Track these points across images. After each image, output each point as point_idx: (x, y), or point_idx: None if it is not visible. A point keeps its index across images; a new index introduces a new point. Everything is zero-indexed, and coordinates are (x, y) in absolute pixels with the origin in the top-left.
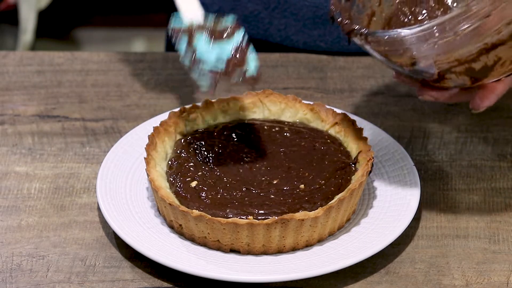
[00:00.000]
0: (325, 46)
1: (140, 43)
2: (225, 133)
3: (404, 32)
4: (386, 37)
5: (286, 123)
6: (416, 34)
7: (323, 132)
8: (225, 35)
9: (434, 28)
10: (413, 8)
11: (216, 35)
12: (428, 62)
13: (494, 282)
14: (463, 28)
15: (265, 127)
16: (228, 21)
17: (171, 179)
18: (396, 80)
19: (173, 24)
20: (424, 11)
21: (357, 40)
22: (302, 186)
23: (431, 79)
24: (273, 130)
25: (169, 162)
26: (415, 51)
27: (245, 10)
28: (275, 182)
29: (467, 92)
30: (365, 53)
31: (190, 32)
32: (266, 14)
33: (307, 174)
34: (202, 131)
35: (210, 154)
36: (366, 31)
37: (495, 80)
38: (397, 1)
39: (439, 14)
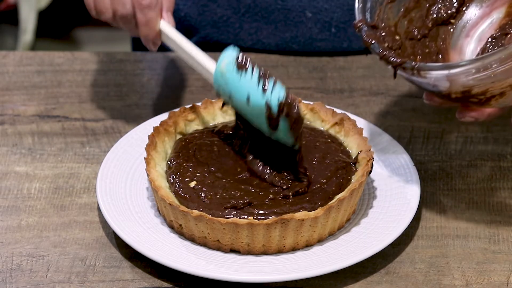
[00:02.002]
0: (298, 47)
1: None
2: (224, 132)
3: (462, 65)
4: (444, 73)
5: None
6: (473, 67)
7: (323, 132)
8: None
9: (493, 61)
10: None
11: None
12: (480, 90)
13: (494, 282)
14: None
15: None
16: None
17: (170, 179)
18: (428, 102)
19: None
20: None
21: (404, 73)
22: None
23: (476, 103)
24: None
25: (168, 162)
26: (468, 81)
27: (214, 16)
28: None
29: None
30: (365, 53)
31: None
32: (236, 19)
33: (308, 173)
34: (202, 130)
35: (209, 154)
36: (417, 66)
37: None
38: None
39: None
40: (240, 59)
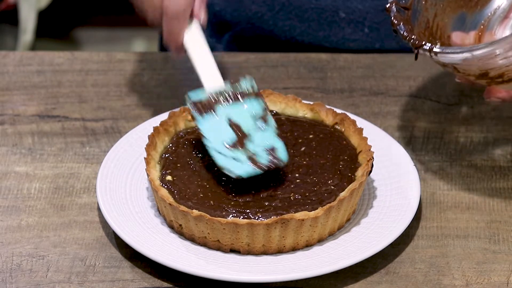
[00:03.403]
0: (330, 46)
1: (140, 43)
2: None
3: (482, 46)
4: (458, 56)
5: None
6: (490, 50)
7: (326, 128)
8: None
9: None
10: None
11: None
12: (497, 72)
13: (494, 282)
14: None
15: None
16: (247, 84)
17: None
18: (459, 81)
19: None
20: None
21: (427, 53)
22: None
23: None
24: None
25: (162, 156)
26: (487, 63)
27: (249, 12)
28: (276, 182)
29: None
30: (365, 53)
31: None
32: (270, 16)
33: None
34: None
35: (202, 151)
36: (438, 49)
37: None
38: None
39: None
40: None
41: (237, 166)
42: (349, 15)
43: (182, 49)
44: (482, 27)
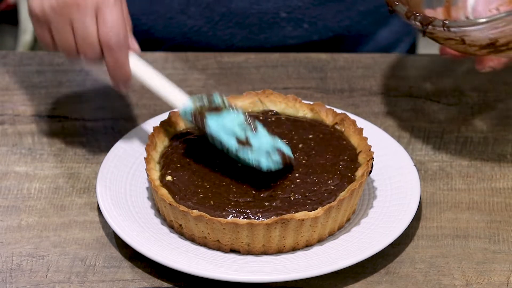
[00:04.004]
0: (269, 46)
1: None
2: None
3: (487, 19)
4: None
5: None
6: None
7: (327, 127)
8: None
9: None
10: None
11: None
12: (506, 40)
13: (494, 282)
14: None
15: (261, 118)
16: (219, 99)
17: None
18: (443, 54)
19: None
20: None
21: (436, 29)
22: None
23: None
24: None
25: (162, 156)
26: (501, 31)
27: (183, 27)
28: (276, 182)
29: None
30: (365, 53)
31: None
32: (209, 28)
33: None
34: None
35: (203, 151)
36: (448, 23)
37: None
38: None
39: None
40: (195, 117)
41: (264, 160)
42: (290, 14)
43: (130, 80)
44: (447, 3)
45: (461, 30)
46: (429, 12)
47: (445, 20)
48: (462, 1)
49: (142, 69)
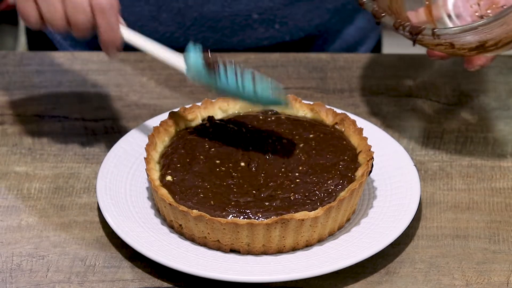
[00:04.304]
0: (242, 48)
1: None
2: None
3: (478, 23)
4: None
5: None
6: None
7: (327, 127)
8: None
9: None
10: None
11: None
12: (494, 41)
13: (494, 282)
14: None
15: (260, 117)
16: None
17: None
18: (431, 57)
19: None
20: None
21: (425, 38)
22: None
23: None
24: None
25: (162, 156)
26: (484, 37)
27: (155, 34)
28: (276, 182)
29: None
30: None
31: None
32: (181, 33)
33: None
34: (196, 126)
35: (203, 151)
36: (437, 31)
37: None
38: None
39: None
40: (207, 60)
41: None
42: (261, 15)
43: (121, 44)
44: (427, 2)
45: (450, 37)
46: (411, 14)
47: (434, 28)
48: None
49: (134, 35)
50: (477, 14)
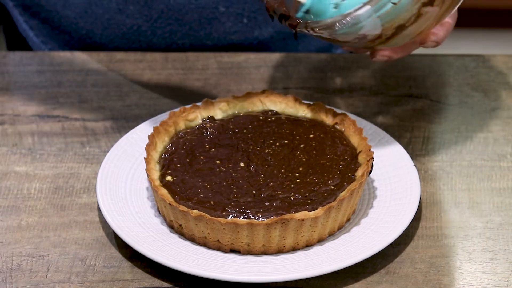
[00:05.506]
0: (212, 44)
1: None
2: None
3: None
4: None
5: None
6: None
7: (327, 127)
8: None
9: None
10: None
11: None
12: (376, 33)
13: (494, 282)
14: None
15: (260, 117)
16: None
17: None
18: (345, 49)
19: None
20: None
21: (305, 30)
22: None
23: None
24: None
25: (162, 156)
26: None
27: (123, 27)
28: (277, 182)
29: (412, 43)
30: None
31: None
32: (148, 26)
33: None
34: (196, 126)
35: (203, 151)
36: (307, 24)
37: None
38: None
39: None
40: None
41: None
42: (228, 9)
43: None
44: None
45: (325, 30)
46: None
47: (308, 21)
48: None
49: None
50: None
